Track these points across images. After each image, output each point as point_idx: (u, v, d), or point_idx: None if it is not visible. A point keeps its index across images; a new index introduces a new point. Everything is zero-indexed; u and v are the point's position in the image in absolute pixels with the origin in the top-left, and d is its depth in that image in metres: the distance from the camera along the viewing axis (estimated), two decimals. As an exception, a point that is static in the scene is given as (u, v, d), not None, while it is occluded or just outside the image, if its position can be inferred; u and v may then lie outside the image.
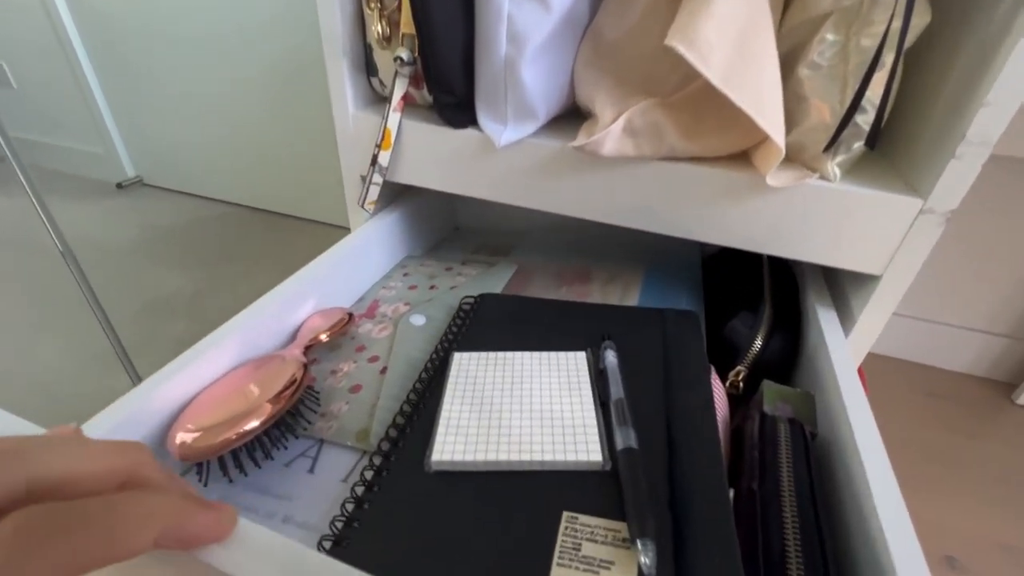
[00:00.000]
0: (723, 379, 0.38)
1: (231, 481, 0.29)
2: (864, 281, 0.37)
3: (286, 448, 0.31)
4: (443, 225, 0.64)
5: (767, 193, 0.35)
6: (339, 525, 0.25)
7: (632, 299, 0.44)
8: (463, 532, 0.24)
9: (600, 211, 0.40)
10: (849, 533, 0.26)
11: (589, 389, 0.32)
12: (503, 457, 0.27)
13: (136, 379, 0.85)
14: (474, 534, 0.24)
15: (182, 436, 0.27)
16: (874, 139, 0.32)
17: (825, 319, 0.38)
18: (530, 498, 0.25)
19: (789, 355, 0.40)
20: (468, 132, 0.41)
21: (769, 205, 0.35)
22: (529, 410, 0.30)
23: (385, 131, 0.43)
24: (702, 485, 0.25)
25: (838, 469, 0.29)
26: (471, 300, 0.42)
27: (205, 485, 0.28)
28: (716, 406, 0.34)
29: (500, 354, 0.35)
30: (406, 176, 0.46)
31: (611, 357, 0.33)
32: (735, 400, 0.38)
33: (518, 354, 0.35)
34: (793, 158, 0.36)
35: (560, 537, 0.23)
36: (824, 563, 0.23)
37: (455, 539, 0.24)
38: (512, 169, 0.41)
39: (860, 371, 0.56)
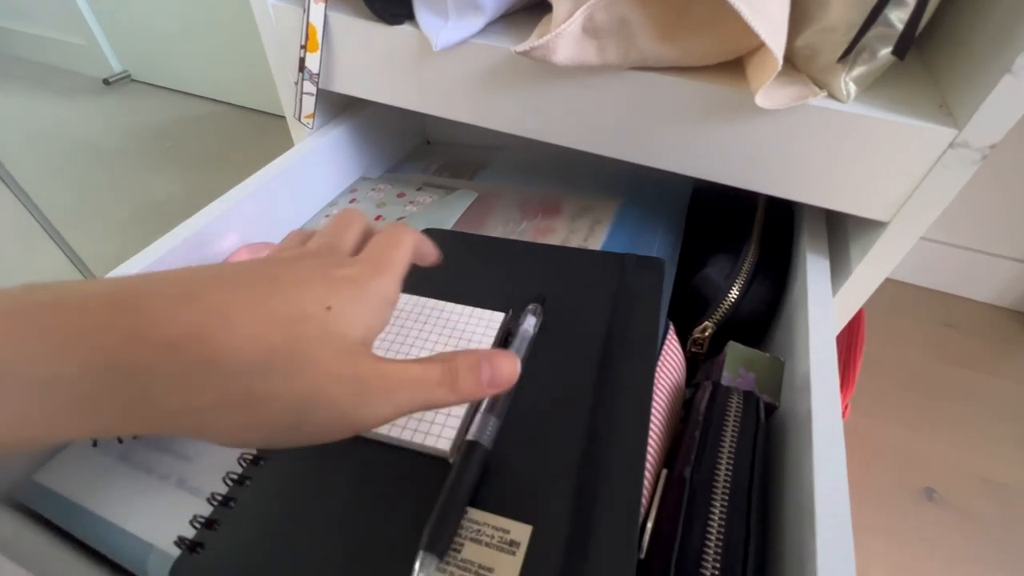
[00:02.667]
0: (688, 335, 0.34)
1: (120, 441, 0.27)
2: (866, 228, 0.31)
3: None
4: (409, 138, 0.57)
5: (758, 116, 0.28)
6: (216, 501, 0.23)
7: (599, 237, 0.38)
8: (328, 517, 0.22)
9: (555, 133, 0.34)
10: (784, 534, 0.23)
11: None
12: None
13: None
14: (345, 522, 0.21)
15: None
16: (906, 45, 0.24)
17: (813, 270, 0.32)
18: (393, 480, 0.23)
19: (769, 311, 0.35)
20: (404, 29, 0.34)
21: (758, 131, 0.28)
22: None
23: (309, 28, 0.36)
24: (614, 479, 0.22)
25: (788, 452, 0.26)
26: None
27: (94, 445, 0.27)
28: (667, 372, 0.30)
29: (416, 299, 0.31)
30: (340, 84, 0.39)
31: (528, 325, 0.28)
32: (699, 361, 0.34)
33: (436, 304, 0.30)
34: (801, 67, 0.29)
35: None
36: (743, 572, 0.20)
37: (316, 526, 0.21)
38: (453, 77, 0.34)
39: (860, 313, 0.51)
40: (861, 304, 0.33)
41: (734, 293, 0.33)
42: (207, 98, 1.42)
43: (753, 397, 0.27)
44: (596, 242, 0.38)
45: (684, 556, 0.22)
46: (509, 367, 0.19)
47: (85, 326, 0.13)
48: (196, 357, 0.14)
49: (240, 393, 0.14)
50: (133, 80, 1.52)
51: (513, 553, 0.20)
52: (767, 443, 0.26)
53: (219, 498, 0.23)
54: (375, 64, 0.36)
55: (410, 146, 0.57)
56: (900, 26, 0.24)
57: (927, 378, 0.84)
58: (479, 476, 0.22)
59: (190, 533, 0.21)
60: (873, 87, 0.27)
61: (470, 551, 0.20)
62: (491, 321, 0.29)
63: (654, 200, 0.42)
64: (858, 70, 0.26)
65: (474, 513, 0.21)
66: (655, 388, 0.29)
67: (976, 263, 0.90)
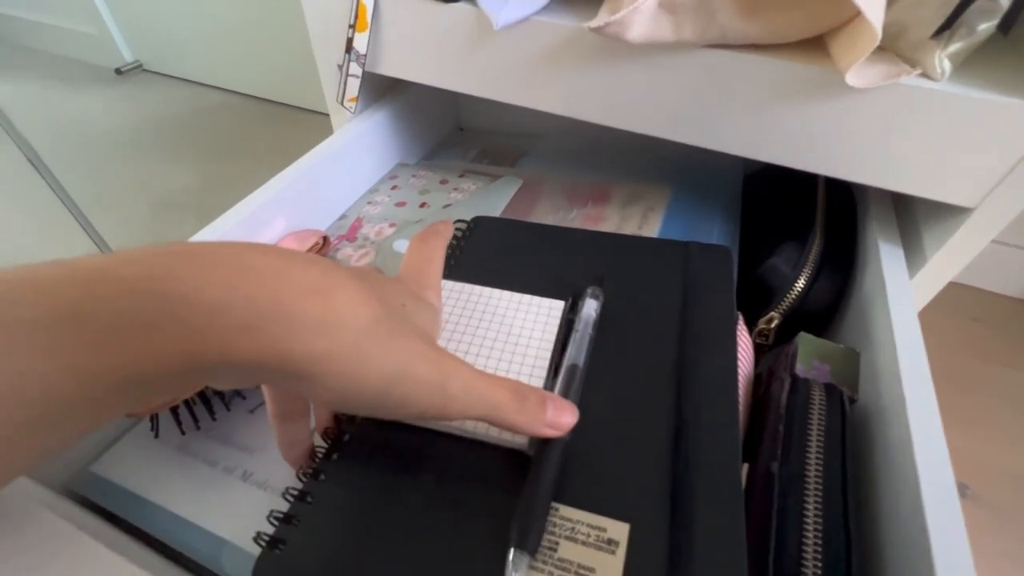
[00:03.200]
0: (752, 326, 0.33)
1: (183, 433, 0.26)
2: (947, 214, 0.30)
3: (244, 398, 0.28)
4: (443, 125, 0.55)
5: (843, 95, 0.27)
6: (292, 496, 0.22)
7: (654, 225, 0.37)
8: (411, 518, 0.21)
9: (622, 116, 0.32)
10: (880, 528, 0.22)
11: (550, 349, 0.26)
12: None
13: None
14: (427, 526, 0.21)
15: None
16: (1013, 18, 0.23)
17: (888, 258, 0.31)
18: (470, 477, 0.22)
19: (836, 301, 0.33)
20: (460, 8, 0.33)
21: (844, 112, 0.27)
22: (481, 352, 0.26)
23: (359, 7, 0.35)
24: (710, 474, 0.21)
25: (877, 446, 0.25)
26: (464, 224, 0.36)
27: (156, 436, 0.26)
28: (739, 362, 0.29)
29: (476, 289, 0.30)
30: (389, 66, 0.38)
31: (590, 308, 0.27)
32: (762, 352, 0.32)
33: (492, 293, 0.29)
34: (886, 46, 0.27)
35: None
36: (847, 571, 0.19)
37: (399, 525, 0.21)
38: (513, 58, 0.33)
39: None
40: (935, 294, 0.32)
41: (801, 283, 0.32)
42: (220, 88, 1.41)
43: (836, 390, 0.26)
44: (651, 230, 0.37)
45: (782, 553, 0.21)
46: (570, 416, 0.21)
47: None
48: (320, 307, 0.15)
49: (349, 347, 0.16)
50: (145, 70, 1.51)
51: (613, 552, 0.19)
52: (853, 437, 0.25)
53: (295, 493, 0.22)
54: (426, 45, 0.35)
55: (444, 133, 0.56)
56: (1006, 1, 0.23)
57: (955, 373, 0.82)
58: (560, 468, 0.21)
59: (267, 529, 0.20)
60: (968, 64, 0.26)
61: (566, 550, 0.19)
62: (551, 309, 0.28)
63: (707, 186, 0.41)
64: (954, 46, 0.25)
65: (565, 511, 0.20)
66: (730, 380, 0.28)
67: (1007, 257, 0.89)
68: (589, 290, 0.28)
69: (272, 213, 0.34)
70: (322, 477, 0.22)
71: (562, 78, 0.32)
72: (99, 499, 0.25)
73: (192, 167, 1.18)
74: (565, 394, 0.23)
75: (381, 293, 0.18)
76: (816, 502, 0.22)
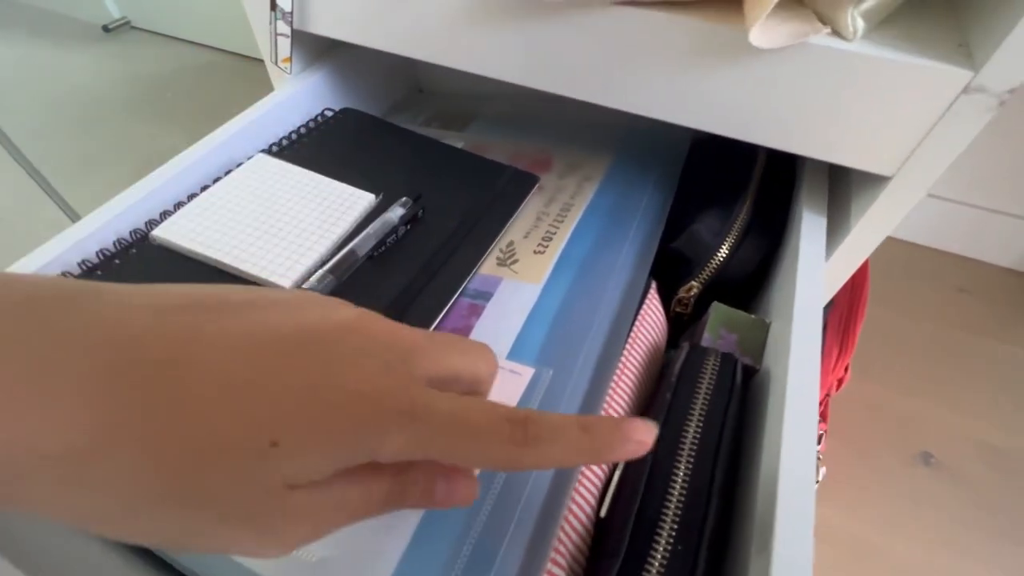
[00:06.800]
0: (672, 295, 0.33)
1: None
2: (869, 183, 0.29)
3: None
4: (399, 86, 0.54)
5: (753, 57, 0.25)
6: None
7: (587, 193, 0.37)
8: None
9: (540, 77, 0.31)
10: (752, 496, 0.23)
11: (343, 228, 0.31)
12: (209, 254, 0.28)
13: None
14: None
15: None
16: (920, -27, 0.22)
17: (808, 228, 0.30)
18: None
19: (759, 270, 0.33)
20: (378, -38, 0.31)
21: (753, 74, 0.26)
22: (273, 224, 0.30)
23: (278, -40, 0.34)
24: (426, 298, 0.28)
25: (763, 415, 0.25)
26: (332, 112, 0.40)
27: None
28: (646, 331, 0.29)
29: (298, 170, 0.34)
30: (317, 24, 0.36)
31: (394, 213, 0.32)
32: (684, 323, 0.32)
33: (313, 176, 0.34)
34: (804, 1, 0.26)
35: None
36: (699, 538, 0.20)
37: None
38: (433, 15, 0.32)
39: (864, 275, 0.49)
40: (859, 264, 0.31)
41: (723, 252, 0.32)
42: (208, 46, 1.38)
43: (731, 358, 0.26)
44: (584, 199, 0.36)
45: (643, 512, 0.21)
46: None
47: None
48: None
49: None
50: (133, 27, 1.48)
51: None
52: (743, 405, 0.25)
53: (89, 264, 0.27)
54: (351, 1, 0.34)
55: (401, 94, 0.55)
56: (917, -50, 0.21)
57: (935, 343, 0.82)
58: None
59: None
60: (884, 24, 0.25)
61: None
62: (361, 198, 0.33)
63: (648, 155, 0.40)
64: (868, 3, 0.23)
65: None
66: (632, 346, 0.28)
67: (995, 225, 0.86)
68: (401, 200, 0.33)
69: (191, 181, 0.34)
70: None
71: (481, 37, 0.31)
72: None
73: (181, 128, 1.17)
74: (334, 269, 0.28)
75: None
76: (687, 468, 0.22)
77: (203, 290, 0.14)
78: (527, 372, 0.26)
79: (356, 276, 0.29)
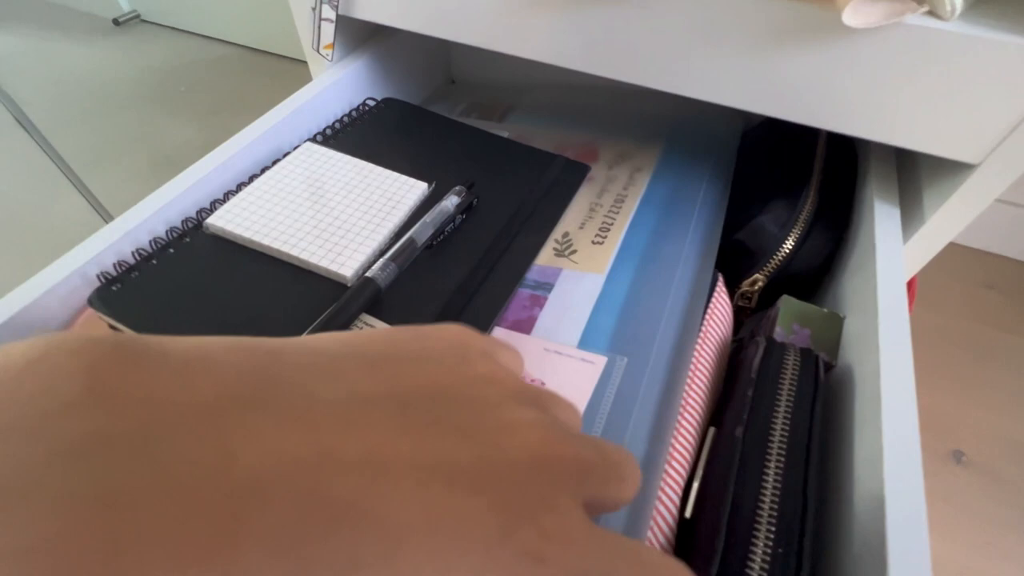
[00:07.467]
0: (737, 287, 0.32)
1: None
2: (948, 171, 0.28)
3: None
4: (433, 77, 0.53)
5: (841, 37, 0.24)
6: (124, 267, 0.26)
7: (640, 186, 0.36)
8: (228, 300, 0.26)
9: (607, 64, 0.30)
10: (845, 498, 0.22)
11: (399, 217, 0.31)
12: (267, 242, 0.28)
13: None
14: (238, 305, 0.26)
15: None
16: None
17: (882, 219, 0.29)
18: (287, 294, 0.26)
19: (826, 263, 0.32)
20: (433, -58, 0.30)
21: (839, 57, 0.25)
22: (328, 212, 0.30)
23: (327, -59, 0.32)
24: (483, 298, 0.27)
25: (850, 413, 0.24)
26: (374, 101, 0.40)
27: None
28: (715, 325, 0.28)
29: (348, 159, 0.33)
30: (364, 9, 0.35)
31: (449, 202, 0.31)
32: (746, 315, 0.31)
33: (364, 164, 0.33)
34: (893, -18, 0.25)
35: None
36: (800, 541, 0.19)
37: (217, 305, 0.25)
38: (490, 0, 0.30)
39: (912, 281, 0.47)
40: (931, 257, 0.30)
41: (789, 244, 0.31)
42: (218, 39, 1.37)
43: (812, 355, 0.25)
44: (638, 190, 0.35)
45: (736, 516, 0.20)
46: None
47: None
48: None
49: None
50: (143, 20, 1.47)
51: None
52: (826, 403, 0.25)
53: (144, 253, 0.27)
54: (400, -16, 0.33)
55: (434, 85, 0.53)
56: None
57: (964, 340, 0.80)
58: (367, 305, 0.26)
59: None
60: (983, 2, 0.24)
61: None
62: (414, 187, 0.32)
63: (700, 144, 0.39)
64: (966, -19, 0.22)
65: (371, 320, 0.26)
66: (703, 341, 0.27)
67: (1021, 220, 0.85)
68: (455, 188, 0.32)
69: (237, 169, 0.33)
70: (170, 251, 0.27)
71: (543, 22, 0.30)
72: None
73: (193, 121, 1.16)
74: (395, 256, 0.27)
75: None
76: (777, 467, 0.21)
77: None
78: (600, 361, 0.25)
79: (415, 266, 0.28)
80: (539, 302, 0.28)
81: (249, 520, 0.08)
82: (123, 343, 0.09)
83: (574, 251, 0.31)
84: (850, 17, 0.23)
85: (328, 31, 0.37)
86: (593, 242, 0.31)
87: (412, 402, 0.11)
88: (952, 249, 0.92)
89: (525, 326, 0.27)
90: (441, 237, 0.30)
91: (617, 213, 0.33)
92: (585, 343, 0.26)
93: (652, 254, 0.30)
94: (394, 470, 0.10)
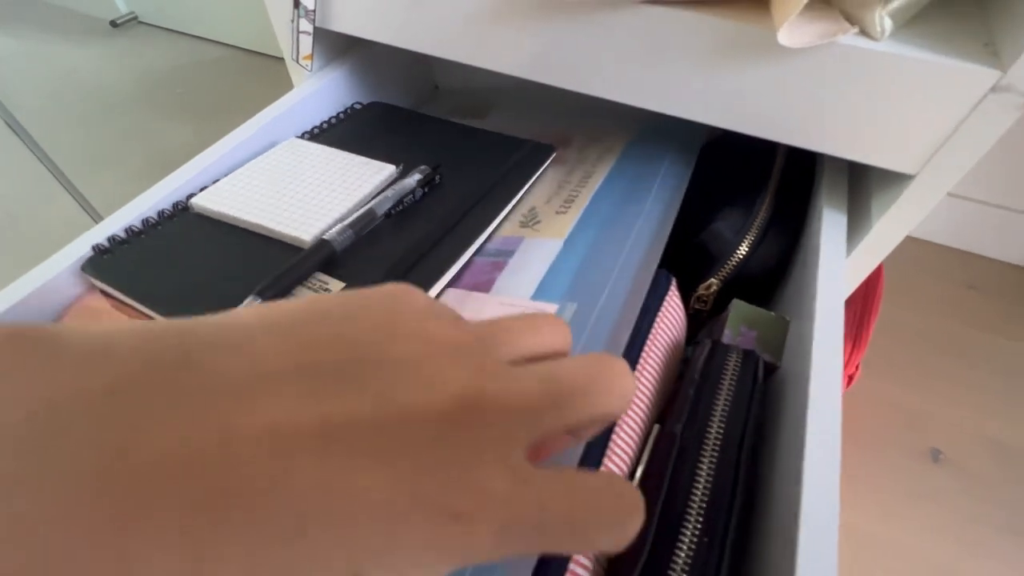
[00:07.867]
0: (692, 292, 0.33)
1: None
2: (891, 181, 0.29)
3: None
4: (416, 83, 0.54)
5: (780, 57, 0.26)
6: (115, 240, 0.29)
7: (611, 159, 0.37)
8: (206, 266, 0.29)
9: (563, 76, 0.32)
10: (774, 494, 0.23)
11: (365, 192, 0.33)
12: (243, 216, 0.30)
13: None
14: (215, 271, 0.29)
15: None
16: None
17: (828, 225, 0.30)
18: (259, 258, 0.29)
19: (779, 267, 0.33)
20: (401, -40, 0.32)
21: (780, 74, 0.26)
22: (301, 191, 0.33)
23: (302, -42, 0.34)
24: (437, 252, 0.29)
25: (784, 413, 0.25)
26: (360, 104, 0.43)
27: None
28: (666, 327, 0.29)
29: (327, 149, 0.36)
30: (340, 22, 0.37)
31: (411, 179, 0.33)
32: (703, 319, 0.33)
33: (340, 153, 0.36)
34: (831, 1, 0.26)
35: None
36: (724, 532, 0.20)
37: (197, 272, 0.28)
38: (455, 13, 0.32)
39: (879, 273, 0.49)
40: (878, 262, 0.31)
41: (743, 249, 0.32)
42: (216, 42, 1.38)
43: (753, 355, 0.26)
44: (605, 166, 0.37)
45: (668, 509, 0.22)
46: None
47: None
48: None
49: None
50: (141, 22, 1.48)
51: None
52: (764, 403, 0.26)
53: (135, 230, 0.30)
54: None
55: (418, 93, 0.55)
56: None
57: (944, 340, 0.82)
58: (321, 264, 0.28)
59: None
60: (911, 24, 0.25)
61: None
62: (382, 168, 0.35)
63: (669, 133, 0.40)
64: (896, 3, 0.24)
65: (324, 278, 0.28)
66: (652, 343, 0.28)
67: (1004, 222, 0.86)
68: (420, 167, 0.34)
69: (215, 179, 0.35)
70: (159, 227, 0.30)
71: (508, 37, 0.31)
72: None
73: (190, 124, 1.17)
74: (353, 225, 0.30)
75: None
76: (711, 462, 0.23)
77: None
78: (551, 308, 0.26)
79: (374, 233, 0.31)
80: (499, 267, 0.30)
81: (144, 508, 0.08)
82: (17, 334, 0.09)
83: (538, 222, 0.33)
84: (785, 37, 0.24)
85: (306, 43, 0.38)
86: (557, 212, 0.33)
87: (323, 371, 0.11)
88: (934, 249, 0.93)
89: (483, 287, 0.29)
90: (401, 207, 0.32)
91: (583, 187, 0.35)
92: (539, 297, 0.27)
93: (612, 218, 0.31)
94: (294, 445, 0.10)
